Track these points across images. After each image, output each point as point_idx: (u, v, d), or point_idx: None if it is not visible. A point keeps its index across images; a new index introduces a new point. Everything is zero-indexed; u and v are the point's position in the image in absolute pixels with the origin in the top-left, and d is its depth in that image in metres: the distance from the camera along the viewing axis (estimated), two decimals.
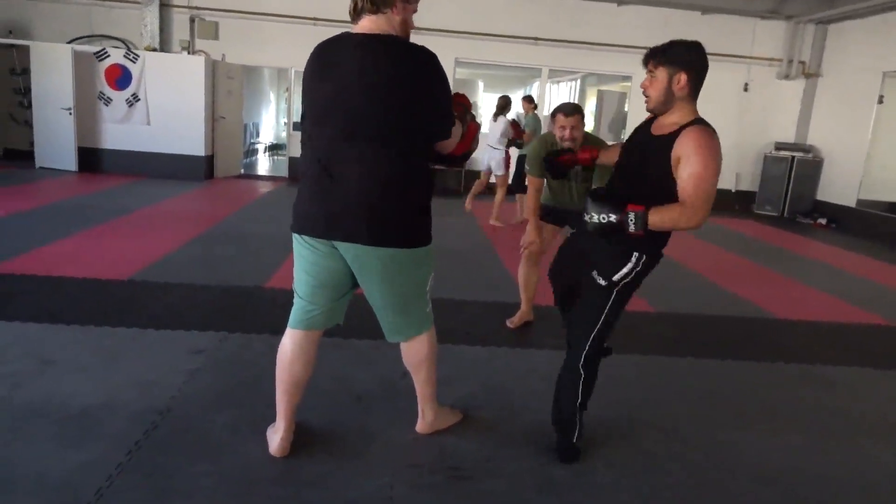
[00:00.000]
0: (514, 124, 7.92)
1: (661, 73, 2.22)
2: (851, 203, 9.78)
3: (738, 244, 7.93)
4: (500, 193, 7.86)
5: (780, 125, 11.15)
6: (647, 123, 2.37)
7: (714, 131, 2.21)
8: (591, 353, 2.42)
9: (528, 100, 8.72)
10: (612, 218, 2.15)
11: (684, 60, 2.21)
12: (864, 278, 6.49)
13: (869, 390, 3.48)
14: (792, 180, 10.67)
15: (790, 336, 4.33)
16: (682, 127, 2.19)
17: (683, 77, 2.20)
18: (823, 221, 10.08)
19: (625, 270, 2.32)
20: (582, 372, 2.43)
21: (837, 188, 10.16)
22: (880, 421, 3.08)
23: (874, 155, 9.55)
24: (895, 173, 9.84)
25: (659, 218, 2.13)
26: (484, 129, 8.20)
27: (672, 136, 2.19)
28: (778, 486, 2.43)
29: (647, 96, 2.29)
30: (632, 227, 2.13)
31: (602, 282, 2.37)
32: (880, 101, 9.37)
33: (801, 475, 2.53)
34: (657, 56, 2.24)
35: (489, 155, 7.87)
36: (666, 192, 2.18)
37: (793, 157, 10.66)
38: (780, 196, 10.83)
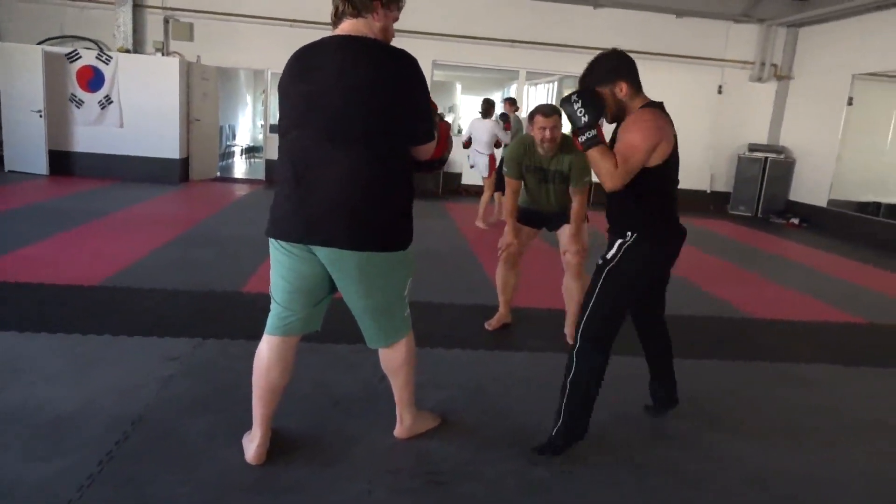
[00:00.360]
0: (505, 119, 7.96)
1: (604, 91, 2.39)
2: (823, 203, 9.96)
3: (715, 244, 8.03)
4: (486, 195, 7.89)
5: (754, 127, 11.33)
6: None
7: (654, 111, 2.37)
8: (586, 338, 2.46)
9: (510, 101, 8.75)
10: (585, 118, 2.29)
11: (616, 72, 2.39)
12: (837, 278, 6.61)
13: (844, 388, 3.53)
14: (765, 181, 10.84)
15: (767, 335, 4.38)
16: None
17: (624, 85, 2.38)
18: (796, 221, 10.25)
19: (615, 248, 2.45)
20: (574, 360, 2.47)
21: (809, 189, 10.34)
22: (856, 418, 3.13)
23: (844, 156, 9.74)
24: (865, 174, 10.05)
25: (598, 154, 2.29)
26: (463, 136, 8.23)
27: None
28: (758, 486, 2.45)
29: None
30: (581, 138, 2.30)
31: (599, 261, 2.50)
32: (850, 103, 9.55)
33: (781, 474, 2.55)
34: (592, 80, 2.41)
35: (475, 158, 7.87)
36: (637, 179, 2.33)
37: (766, 158, 10.83)
38: (753, 196, 10.99)
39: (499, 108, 9.13)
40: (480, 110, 7.96)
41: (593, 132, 2.29)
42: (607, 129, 2.41)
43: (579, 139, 2.32)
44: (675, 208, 2.53)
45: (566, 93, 2.47)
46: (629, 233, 2.44)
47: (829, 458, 2.71)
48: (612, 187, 2.30)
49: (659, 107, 2.41)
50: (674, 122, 2.44)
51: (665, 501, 2.32)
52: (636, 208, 2.43)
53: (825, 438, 2.89)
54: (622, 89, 2.37)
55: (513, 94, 10.73)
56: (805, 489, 2.45)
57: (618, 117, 2.43)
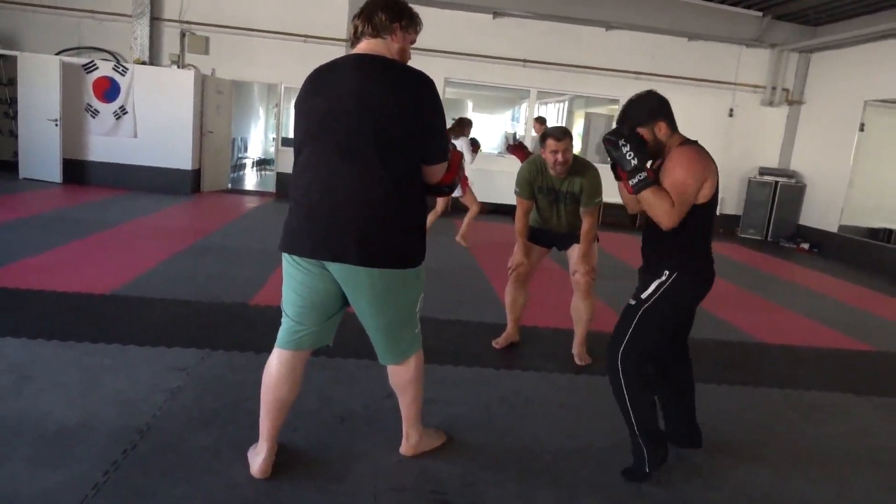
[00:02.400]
0: (474, 144, 7.88)
1: (644, 132, 2.43)
2: (833, 229, 9.91)
3: (723, 268, 7.93)
4: (471, 211, 7.75)
5: (764, 151, 11.32)
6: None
7: (695, 147, 2.42)
8: (625, 368, 2.46)
9: (539, 121, 8.72)
10: (634, 162, 2.33)
11: (654, 112, 2.44)
12: (845, 304, 6.56)
13: (852, 416, 3.49)
14: (775, 205, 10.81)
15: (776, 361, 4.35)
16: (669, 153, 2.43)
17: (662, 125, 2.43)
18: (806, 246, 10.20)
19: (651, 288, 2.47)
20: (624, 391, 2.46)
21: (819, 214, 10.30)
22: (861, 447, 3.09)
23: (855, 182, 9.71)
24: (876, 200, 10.00)
25: (652, 195, 2.33)
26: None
27: (662, 163, 2.44)
28: None
29: None
30: (632, 181, 2.34)
31: (632, 301, 2.51)
32: (861, 129, 9.54)
33: (784, 501, 2.52)
34: (632, 120, 2.44)
35: None
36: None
37: (776, 182, 10.81)
38: (763, 220, 10.96)
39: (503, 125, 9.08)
40: (452, 129, 7.74)
41: (643, 174, 2.34)
42: None
43: (630, 182, 2.35)
44: (711, 247, 2.55)
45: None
46: (666, 272, 2.44)
47: (836, 487, 2.68)
48: (670, 225, 2.34)
49: (696, 144, 2.44)
50: None
51: None
52: (678, 246, 2.45)
53: (833, 467, 2.85)
54: (661, 129, 2.42)
55: (523, 113, 10.75)
56: None
57: (654, 156, 2.47)
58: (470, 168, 7.81)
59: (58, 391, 2.84)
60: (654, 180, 2.35)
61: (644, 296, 2.47)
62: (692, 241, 2.46)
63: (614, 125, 2.57)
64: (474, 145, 7.83)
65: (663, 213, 2.32)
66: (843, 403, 3.66)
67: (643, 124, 2.42)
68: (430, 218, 7.73)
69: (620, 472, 2.55)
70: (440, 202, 7.82)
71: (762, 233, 10.98)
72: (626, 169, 2.36)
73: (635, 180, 2.34)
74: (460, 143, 7.60)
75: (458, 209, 9.95)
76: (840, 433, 3.24)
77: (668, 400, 2.80)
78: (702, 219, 2.43)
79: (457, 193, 7.63)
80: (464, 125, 7.84)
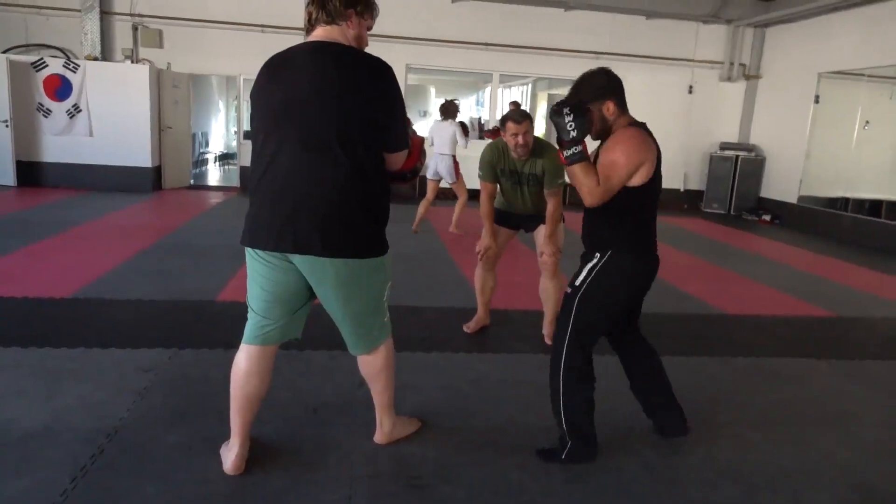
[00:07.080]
0: (463, 126, 7.82)
1: (592, 109, 2.39)
2: (793, 199, 10.14)
3: (688, 242, 8.13)
4: (460, 200, 7.65)
5: (724, 126, 11.50)
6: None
7: (638, 130, 2.39)
8: (568, 363, 2.46)
9: (514, 105, 8.69)
10: (573, 133, 2.30)
11: (602, 91, 2.40)
12: (806, 272, 6.74)
13: (814, 380, 3.60)
14: (737, 179, 11.02)
15: (740, 331, 4.45)
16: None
17: (611, 104, 2.40)
18: (767, 218, 10.43)
19: (584, 273, 2.46)
20: (561, 380, 2.47)
21: (779, 185, 10.52)
22: (823, 410, 3.19)
23: (812, 153, 9.92)
24: (832, 171, 10.23)
25: (581, 171, 2.32)
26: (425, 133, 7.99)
27: (603, 143, 2.44)
28: (732, 479, 2.49)
29: None
30: (566, 152, 2.33)
31: (568, 289, 2.50)
32: (816, 101, 9.75)
33: (754, 466, 2.59)
34: (581, 96, 2.41)
35: (436, 161, 7.52)
36: (615, 197, 2.35)
37: (737, 157, 11.00)
38: (726, 194, 11.16)
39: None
40: (440, 112, 7.72)
41: (579, 148, 2.31)
42: (591, 145, 2.42)
43: (564, 153, 2.33)
44: (653, 234, 2.51)
45: (552, 97, 2.52)
46: (598, 254, 2.44)
47: (800, 449, 2.76)
48: (591, 204, 2.33)
49: (642, 127, 2.42)
50: (648, 122, 2.47)
51: (642, 497, 2.34)
52: (611, 228, 2.43)
53: (796, 430, 2.94)
54: (609, 108, 2.39)
55: (487, 97, 10.72)
56: (778, 481, 2.50)
57: (602, 135, 2.45)
58: (462, 153, 7.72)
59: (21, 397, 2.78)
60: (586, 156, 2.33)
61: (577, 282, 2.46)
62: (626, 224, 2.42)
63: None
64: (463, 128, 7.76)
65: (588, 191, 2.30)
66: (805, 368, 3.76)
67: (591, 101, 2.39)
68: (422, 206, 7.65)
69: (535, 451, 2.55)
70: (430, 189, 7.71)
71: (725, 206, 11.19)
72: (564, 138, 2.33)
73: (570, 152, 2.32)
74: (451, 127, 7.49)
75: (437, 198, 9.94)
76: (802, 397, 3.34)
77: (640, 389, 2.77)
78: (637, 202, 2.39)
79: (450, 180, 7.58)
80: (450, 107, 7.69)
